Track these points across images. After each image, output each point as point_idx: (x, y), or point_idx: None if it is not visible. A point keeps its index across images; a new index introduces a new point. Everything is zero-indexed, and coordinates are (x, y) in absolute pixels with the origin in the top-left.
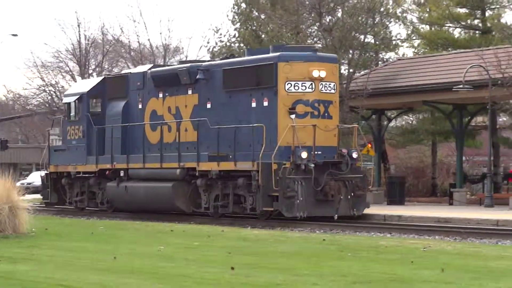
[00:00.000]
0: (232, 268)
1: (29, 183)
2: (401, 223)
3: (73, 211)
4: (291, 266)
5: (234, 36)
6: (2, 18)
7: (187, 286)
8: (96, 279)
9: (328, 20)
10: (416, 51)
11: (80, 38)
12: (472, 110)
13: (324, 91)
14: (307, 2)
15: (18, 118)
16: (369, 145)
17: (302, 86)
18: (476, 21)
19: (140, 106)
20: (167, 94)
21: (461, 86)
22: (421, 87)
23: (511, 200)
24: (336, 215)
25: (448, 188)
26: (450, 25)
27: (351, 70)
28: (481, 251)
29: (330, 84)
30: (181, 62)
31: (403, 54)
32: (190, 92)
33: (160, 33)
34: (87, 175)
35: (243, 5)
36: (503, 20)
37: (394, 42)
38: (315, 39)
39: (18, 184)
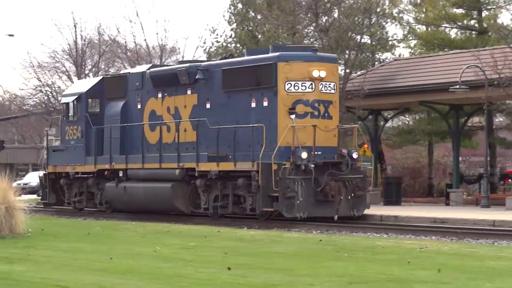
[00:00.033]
0: (229, 269)
1: (26, 184)
2: (397, 223)
3: (72, 212)
4: (287, 266)
5: (231, 36)
6: None
7: (183, 287)
8: (92, 279)
9: (324, 20)
10: (412, 51)
11: (76, 38)
12: (469, 110)
13: (324, 91)
14: (303, 3)
15: (15, 118)
16: (366, 146)
17: (302, 86)
18: (472, 22)
19: (139, 106)
20: (166, 94)
21: (457, 86)
22: (417, 88)
23: (508, 201)
24: (336, 216)
25: (445, 189)
26: (447, 25)
27: (347, 71)
28: (478, 252)
29: (330, 84)
30: (180, 62)
31: (400, 55)
32: (189, 92)
33: (157, 34)
34: (85, 175)
35: (240, 5)
36: (499, 21)
37: (390, 43)
38: (311, 39)
39: (14, 184)
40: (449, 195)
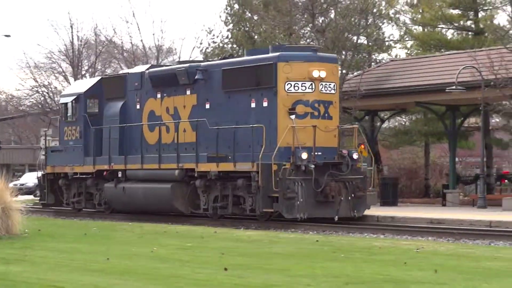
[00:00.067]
0: (226, 269)
1: (22, 184)
2: (394, 224)
3: (70, 212)
4: (284, 267)
5: (227, 37)
6: None
7: (180, 287)
8: (89, 280)
9: (321, 21)
10: (409, 52)
11: (73, 39)
12: (465, 111)
13: (324, 91)
14: (300, 3)
15: (11, 119)
16: (362, 146)
17: (302, 86)
18: (468, 22)
19: (138, 107)
20: (165, 95)
21: (454, 87)
22: (414, 88)
23: (504, 201)
24: (336, 217)
25: (441, 189)
26: (443, 26)
27: (344, 71)
28: (474, 252)
29: (330, 84)
30: (180, 62)
31: (396, 55)
32: (188, 92)
33: (153, 34)
34: (84, 176)
35: (236, 6)
36: (495, 21)
37: (387, 43)
38: (308, 40)
39: (11, 185)
40: (445, 195)
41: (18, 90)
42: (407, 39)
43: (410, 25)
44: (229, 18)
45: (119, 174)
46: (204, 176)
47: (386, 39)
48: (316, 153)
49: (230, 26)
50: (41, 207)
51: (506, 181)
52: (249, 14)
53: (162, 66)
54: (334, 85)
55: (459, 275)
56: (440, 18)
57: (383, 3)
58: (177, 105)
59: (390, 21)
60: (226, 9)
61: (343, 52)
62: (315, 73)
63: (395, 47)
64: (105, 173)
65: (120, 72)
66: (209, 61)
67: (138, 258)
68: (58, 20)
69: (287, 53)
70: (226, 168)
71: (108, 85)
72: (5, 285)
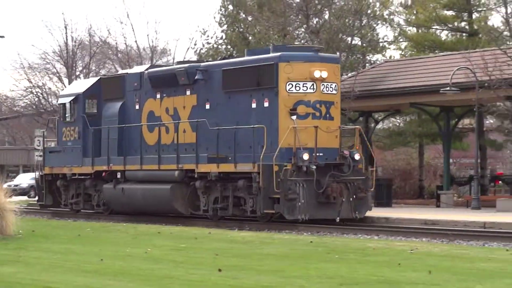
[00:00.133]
0: (220, 270)
1: (16, 185)
2: (388, 225)
3: (67, 213)
4: (278, 268)
5: (221, 38)
6: None
7: None
8: (83, 281)
9: (315, 22)
10: (403, 53)
11: (67, 39)
12: (459, 112)
13: (326, 91)
14: (294, 4)
15: (5, 119)
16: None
17: (303, 86)
18: (463, 24)
19: (137, 107)
20: (164, 95)
21: (448, 88)
22: (408, 89)
23: (498, 202)
24: (338, 218)
25: (435, 190)
26: (437, 27)
27: None
28: (468, 253)
29: (331, 84)
30: (179, 62)
31: (390, 56)
32: (188, 92)
33: (147, 35)
34: (83, 177)
35: (230, 7)
36: (490, 23)
37: (381, 44)
38: (302, 41)
39: (5, 186)
40: (439, 197)
41: (12, 91)
42: (401, 40)
43: (404, 26)
44: (223, 19)
45: (118, 175)
46: (204, 177)
47: (380, 40)
48: (317, 154)
49: (225, 27)
50: (35, 208)
51: (500, 182)
52: (243, 15)
53: (161, 66)
54: (335, 86)
55: (453, 276)
56: (434, 19)
57: (377, 4)
58: (177, 106)
59: (384, 22)
60: (220, 10)
61: (337, 53)
62: (317, 73)
63: (389, 48)
64: (104, 174)
65: (119, 72)
66: (209, 61)
67: (132, 259)
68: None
69: (288, 53)
70: (226, 169)
71: (107, 85)
72: None
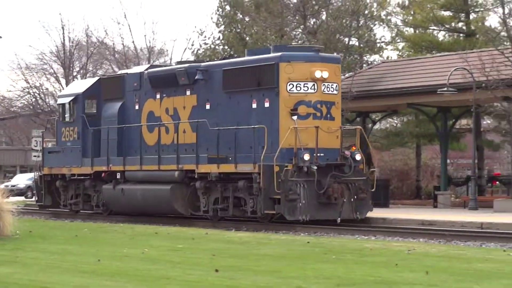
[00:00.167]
0: (216, 271)
1: (13, 185)
2: (385, 225)
3: (66, 214)
4: (275, 268)
5: (219, 38)
6: None
7: None
8: (80, 281)
9: (312, 22)
10: (400, 53)
11: (64, 40)
12: (456, 113)
13: (327, 92)
14: (291, 5)
15: (2, 120)
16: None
17: (304, 87)
18: (460, 24)
19: (136, 107)
20: (164, 95)
21: (445, 89)
22: (405, 90)
23: (495, 203)
24: (339, 219)
25: (433, 191)
26: (435, 28)
27: None
28: (466, 254)
29: (332, 85)
30: (179, 62)
31: (388, 57)
32: (188, 93)
33: (145, 36)
34: (82, 177)
35: (228, 7)
36: (487, 23)
37: (378, 45)
38: (299, 41)
39: (2, 186)
40: (437, 197)
41: (10, 91)
42: (398, 40)
43: (401, 26)
44: (220, 19)
45: (118, 176)
46: (205, 177)
47: (378, 40)
48: (318, 154)
49: (222, 27)
50: (32, 208)
51: (497, 182)
52: (241, 16)
53: (161, 66)
54: (336, 86)
55: (450, 276)
56: (432, 19)
57: (375, 4)
58: (177, 106)
59: (381, 23)
60: (218, 10)
61: (335, 54)
62: (318, 74)
63: (386, 48)
64: (103, 174)
65: (119, 72)
66: (210, 61)
67: (129, 260)
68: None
69: (289, 53)
70: (227, 170)
71: (106, 86)
72: None
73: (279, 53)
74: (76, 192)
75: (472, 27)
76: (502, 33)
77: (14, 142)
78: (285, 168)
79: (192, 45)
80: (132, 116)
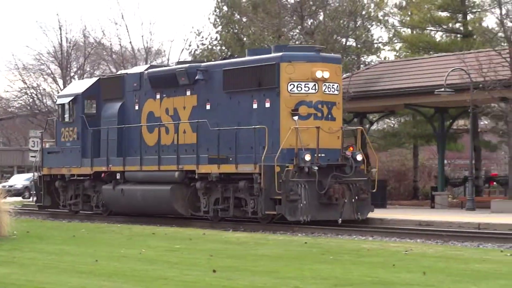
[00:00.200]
0: (214, 271)
1: (11, 186)
2: (383, 226)
3: (65, 214)
4: (272, 269)
5: (216, 39)
6: None
7: None
8: (77, 282)
9: (310, 23)
10: (397, 54)
11: (61, 40)
12: (454, 113)
13: (328, 92)
14: (288, 5)
15: (0, 120)
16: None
17: (305, 87)
18: (457, 25)
19: (136, 108)
20: (164, 95)
21: (442, 89)
22: (402, 91)
23: (493, 203)
24: (340, 219)
25: (430, 191)
26: (432, 28)
27: None
28: (463, 254)
29: (333, 85)
30: (179, 62)
31: (385, 58)
32: (188, 93)
33: (142, 36)
34: (81, 177)
35: (225, 8)
36: (484, 24)
37: (375, 46)
38: (297, 42)
39: None
40: (434, 198)
41: (7, 91)
42: (395, 41)
43: (398, 27)
44: (218, 20)
45: (118, 176)
46: (205, 178)
47: (375, 41)
48: (319, 155)
49: (219, 28)
50: (29, 208)
51: (494, 183)
52: (238, 16)
53: (161, 66)
54: (337, 86)
55: (447, 277)
56: (429, 20)
57: (372, 5)
58: (177, 106)
59: (379, 23)
60: (215, 11)
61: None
62: (319, 74)
63: (384, 49)
64: (103, 175)
65: (119, 72)
66: (210, 61)
67: (127, 260)
68: (46, 21)
69: (290, 53)
70: (227, 170)
71: (106, 86)
72: None
73: (280, 53)
74: (75, 193)
75: (470, 28)
76: (499, 34)
77: (11, 142)
78: (286, 169)
79: (190, 45)
80: (132, 116)
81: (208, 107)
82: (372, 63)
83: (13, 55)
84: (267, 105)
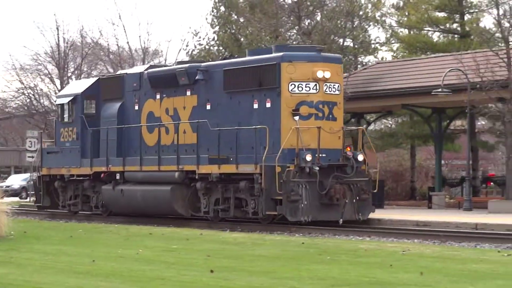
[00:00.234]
0: (211, 271)
1: (8, 186)
2: (380, 226)
3: (61, 214)
4: (270, 269)
5: (213, 39)
6: None
7: None
8: (75, 282)
9: (307, 23)
10: (395, 54)
11: (59, 41)
12: (451, 113)
13: (329, 92)
14: (286, 6)
15: None
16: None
17: (306, 87)
18: (454, 25)
19: (136, 108)
20: (164, 95)
21: (440, 90)
22: (400, 91)
23: (490, 204)
24: (341, 220)
25: (427, 192)
26: (429, 29)
27: None
28: (460, 255)
29: (334, 85)
30: (179, 62)
31: (382, 58)
32: (188, 93)
33: (139, 36)
34: (81, 178)
35: (222, 8)
36: (481, 24)
37: (373, 46)
38: (294, 42)
39: None
40: (431, 198)
41: (4, 92)
42: (393, 41)
43: (396, 27)
44: (215, 20)
45: (117, 176)
46: (205, 178)
47: (372, 41)
48: (320, 155)
49: (216, 28)
50: (27, 209)
51: (491, 183)
52: (235, 17)
53: (161, 66)
54: (338, 86)
55: (445, 277)
56: (426, 20)
57: (369, 5)
58: (177, 106)
59: (376, 24)
60: (212, 11)
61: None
62: (319, 74)
63: (381, 49)
64: (102, 175)
65: (118, 72)
66: (210, 61)
67: (124, 260)
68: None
69: (290, 53)
70: (228, 170)
71: (105, 86)
72: None
73: (281, 53)
74: (75, 193)
75: (467, 28)
76: (497, 34)
77: (8, 142)
78: (287, 169)
79: (187, 45)
80: (132, 116)
81: (208, 107)
82: (370, 64)
83: (10, 55)
84: (268, 105)
